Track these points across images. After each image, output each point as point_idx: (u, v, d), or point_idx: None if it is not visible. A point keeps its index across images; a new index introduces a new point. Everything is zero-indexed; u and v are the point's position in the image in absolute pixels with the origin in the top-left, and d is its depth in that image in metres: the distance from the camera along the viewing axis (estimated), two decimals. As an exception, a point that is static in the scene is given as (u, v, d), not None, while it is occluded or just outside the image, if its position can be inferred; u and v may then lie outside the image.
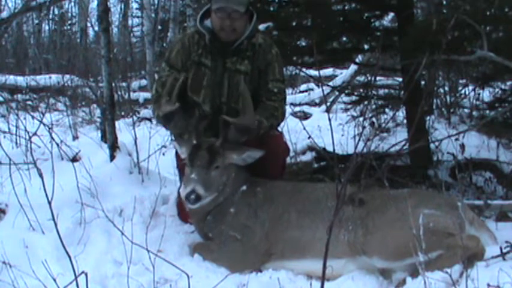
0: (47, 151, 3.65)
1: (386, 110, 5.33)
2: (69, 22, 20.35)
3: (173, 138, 3.26)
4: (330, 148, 4.02)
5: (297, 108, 8.36)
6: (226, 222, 2.92)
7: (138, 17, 20.43)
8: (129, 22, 20.43)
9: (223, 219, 2.93)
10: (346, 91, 5.88)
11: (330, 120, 2.11)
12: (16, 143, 4.55)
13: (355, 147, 1.97)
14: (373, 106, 5.21)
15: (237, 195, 2.97)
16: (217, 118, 3.05)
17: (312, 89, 9.72)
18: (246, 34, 3.10)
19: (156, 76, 5.29)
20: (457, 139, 4.29)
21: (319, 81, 6.91)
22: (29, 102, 8.77)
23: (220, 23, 3.03)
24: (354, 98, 5.19)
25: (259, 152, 2.90)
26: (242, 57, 3.15)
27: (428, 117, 5.28)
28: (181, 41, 3.23)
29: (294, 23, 4.19)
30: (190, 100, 3.19)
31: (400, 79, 4.93)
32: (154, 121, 6.13)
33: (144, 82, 10.78)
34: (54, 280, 1.93)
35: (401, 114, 5.59)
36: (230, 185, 2.96)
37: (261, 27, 4.02)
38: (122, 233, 2.17)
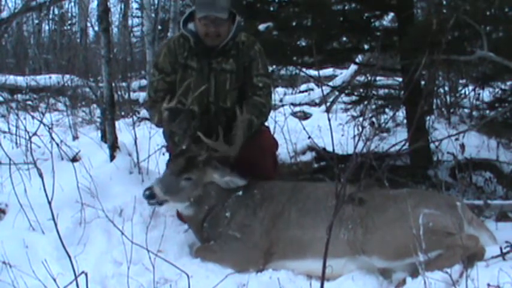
0: (47, 151, 3.65)
1: (386, 110, 5.32)
2: (69, 22, 20.30)
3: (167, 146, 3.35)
4: (330, 148, 4.02)
5: (297, 108, 8.35)
6: (224, 224, 2.92)
7: (138, 17, 20.41)
8: (129, 22, 20.40)
9: (219, 223, 2.94)
10: (346, 91, 5.87)
11: (329, 120, 2.11)
12: (16, 143, 4.55)
13: (355, 147, 1.97)
14: (373, 106, 5.21)
15: (232, 201, 2.97)
16: (206, 118, 3.16)
17: (312, 89, 9.70)
18: (230, 35, 3.16)
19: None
20: (457, 139, 4.29)
21: (319, 81, 6.91)
22: (29, 102, 8.76)
23: (205, 30, 3.10)
24: (354, 98, 5.18)
25: (242, 181, 2.93)
26: (227, 57, 3.21)
27: (428, 117, 5.27)
28: (167, 45, 3.30)
29: (294, 23, 4.19)
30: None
31: (400, 79, 4.93)
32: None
33: (144, 82, 10.73)
34: (54, 280, 1.94)
35: (401, 114, 5.59)
36: (214, 199, 2.97)
37: (261, 27, 4.02)
38: (122, 233, 2.17)
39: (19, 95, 9.32)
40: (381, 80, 6.72)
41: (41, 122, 3.55)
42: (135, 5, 20.50)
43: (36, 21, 17.70)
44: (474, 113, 5.96)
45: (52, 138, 3.69)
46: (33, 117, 4.25)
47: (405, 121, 4.77)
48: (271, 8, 4.34)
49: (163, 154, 4.39)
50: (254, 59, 3.23)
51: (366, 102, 5.05)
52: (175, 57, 3.22)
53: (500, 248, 2.42)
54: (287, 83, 10.35)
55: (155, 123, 3.33)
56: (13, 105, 6.71)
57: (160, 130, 3.45)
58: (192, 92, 3.18)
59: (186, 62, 3.21)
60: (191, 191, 2.93)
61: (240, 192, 2.99)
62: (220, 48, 3.17)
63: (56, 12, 18.96)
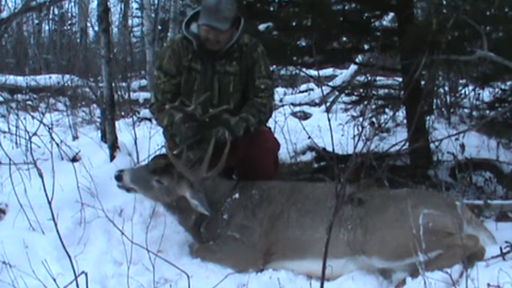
0: (47, 151, 3.65)
1: (387, 110, 5.32)
2: (69, 22, 20.32)
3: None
4: (330, 148, 4.01)
5: (297, 108, 8.35)
6: (222, 226, 2.92)
7: (138, 17, 20.45)
8: (129, 22, 20.43)
9: (218, 225, 2.93)
10: (346, 91, 5.87)
11: (329, 120, 2.11)
12: (16, 143, 4.55)
13: (355, 147, 1.97)
14: (373, 106, 5.21)
15: (229, 203, 2.95)
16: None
17: (312, 89, 9.70)
18: (234, 39, 3.14)
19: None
20: (457, 139, 4.29)
21: (319, 81, 6.90)
22: (29, 102, 8.76)
23: (205, 35, 3.08)
24: (354, 98, 5.18)
25: (207, 212, 2.83)
26: (230, 59, 3.20)
27: (428, 117, 5.27)
28: (170, 47, 3.26)
29: (294, 23, 4.19)
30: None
31: (400, 79, 4.93)
32: (154, 121, 6.12)
33: (144, 82, 10.75)
34: (54, 280, 1.94)
35: (401, 114, 5.59)
36: (191, 209, 2.91)
37: (261, 27, 4.02)
38: (122, 233, 2.18)
39: (19, 95, 9.32)
40: (380, 80, 6.72)
41: (41, 122, 3.56)
42: (135, 5, 20.57)
43: (36, 21, 17.72)
44: (474, 113, 5.96)
45: (52, 138, 3.70)
46: (33, 117, 4.26)
47: (405, 121, 4.76)
48: (271, 8, 4.34)
49: (164, 154, 4.40)
50: (257, 61, 3.22)
51: (366, 102, 5.05)
52: (179, 60, 3.20)
53: (500, 248, 2.42)
54: (287, 83, 10.34)
55: (164, 126, 3.26)
56: (13, 105, 6.70)
57: (161, 130, 3.45)
58: (195, 94, 3.18)
59: (190, 65, 3.20)
60: (161, 195, 2.93)
61: (237, 195, 2.97)
62: (224, 51, 3.16)
63: (56, 12, 19.00)
